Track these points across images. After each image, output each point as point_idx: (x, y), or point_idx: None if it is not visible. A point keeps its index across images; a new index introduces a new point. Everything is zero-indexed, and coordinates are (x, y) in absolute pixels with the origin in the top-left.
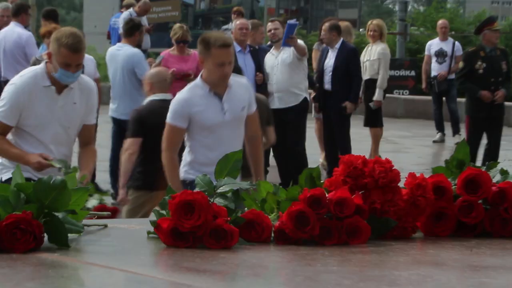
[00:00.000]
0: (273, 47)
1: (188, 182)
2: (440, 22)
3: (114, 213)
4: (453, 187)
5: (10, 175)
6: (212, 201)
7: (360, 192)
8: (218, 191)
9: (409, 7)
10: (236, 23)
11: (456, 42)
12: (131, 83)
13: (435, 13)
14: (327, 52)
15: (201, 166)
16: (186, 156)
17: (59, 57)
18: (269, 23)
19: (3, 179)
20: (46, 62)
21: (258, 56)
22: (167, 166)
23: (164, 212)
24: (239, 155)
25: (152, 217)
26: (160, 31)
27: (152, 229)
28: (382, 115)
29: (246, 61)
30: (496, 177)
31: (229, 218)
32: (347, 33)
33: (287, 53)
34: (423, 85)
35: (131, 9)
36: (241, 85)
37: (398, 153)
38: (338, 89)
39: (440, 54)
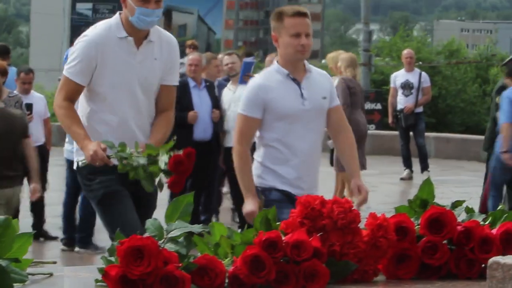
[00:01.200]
0: (230, 81)
1: (261, 189)
2: (405, 52)
3: (190, 155)
4: (417, 227)
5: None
6: (162, 246)
7: (318, 234)
8: (169, 235)
9: (374, 37)
10: (188, 58)
11: (423, 73)
12: None
13: (401, 42)
14: None
15: (275, 165)
16: (257, 157)
17: None
18: (226, 56)
19: (80, 163)
20: (120, 13)
21: (214, 91)
22: (237, 161)
23: (112, 258)
24: (190, 199)
25: (100, 264)
26: None
27: (100, 276)
28: None
29: (201, 97)
30: (462, 216)
31: (180, 264)
32: (350, 66)
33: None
34: (390, 120)
35: None
36: (321, 74)
37: None
38: None
39: (406, 86)
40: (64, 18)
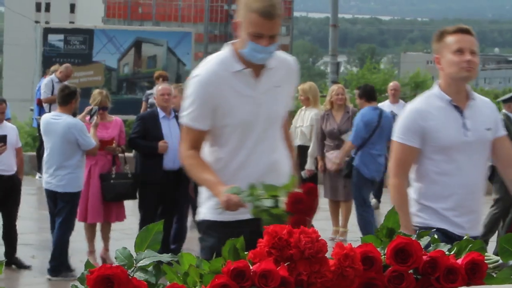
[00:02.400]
0: None
1: (418, 228)
2: (391, 84)
3: (311, 191)
4: (383, 256)
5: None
6: (132, 275)
7: (285, 264)
8: (138, 264)
9: (342, 69)
10: (158, 88)
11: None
12: (72, 153)
13: (369, 74)
14: None
15: (433, 202)
16: (412, 193)
17: (248, 26)
18: None
19: (204, 214)
20: (232, 44)
21: None
22: (396, 196)
23: (83, 287)
24: (160, 227)
25: None
26: (83, 97)
27: None
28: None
29: (171, 127)
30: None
31: None
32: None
33: None
34: None
35: (53, 75)
36: (486, 103)
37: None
38: None
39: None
40: (36, 49)
